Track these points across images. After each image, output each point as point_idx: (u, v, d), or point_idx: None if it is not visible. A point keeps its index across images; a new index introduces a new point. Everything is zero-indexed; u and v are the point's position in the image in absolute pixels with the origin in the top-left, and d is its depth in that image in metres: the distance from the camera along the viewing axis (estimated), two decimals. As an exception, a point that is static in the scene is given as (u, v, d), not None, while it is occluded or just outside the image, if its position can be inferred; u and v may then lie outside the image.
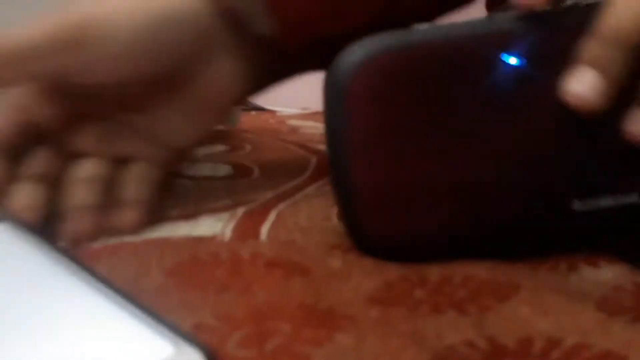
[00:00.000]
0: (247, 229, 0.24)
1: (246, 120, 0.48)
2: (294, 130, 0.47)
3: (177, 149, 0.26)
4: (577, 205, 0.20)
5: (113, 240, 0.22)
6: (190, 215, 0.25)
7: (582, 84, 0.18)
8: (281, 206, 0.26)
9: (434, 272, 0.20)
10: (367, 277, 0.20)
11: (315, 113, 0.60)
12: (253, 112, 0.58)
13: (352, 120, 0.19)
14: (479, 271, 0.20)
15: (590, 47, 0.18)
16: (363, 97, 0.19)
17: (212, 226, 0.24)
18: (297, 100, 0.72)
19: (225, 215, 0.25)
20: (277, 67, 0.27)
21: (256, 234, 0.23)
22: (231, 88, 0.25)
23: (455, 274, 0.20)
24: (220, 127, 0.41)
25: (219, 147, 0.37)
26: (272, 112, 0.61)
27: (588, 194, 0.19)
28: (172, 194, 0.27)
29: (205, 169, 0.31)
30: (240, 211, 0.25)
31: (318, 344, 0.15)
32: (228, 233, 0.23)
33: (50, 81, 0.22)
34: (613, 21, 0.18)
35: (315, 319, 0.17)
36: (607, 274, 0.20)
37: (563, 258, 0.21)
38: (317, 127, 0.49)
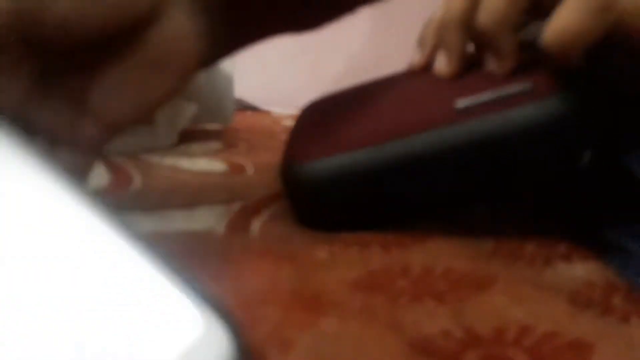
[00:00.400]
0: (239, 224, 0.25)
1: (241, 119, 0.49)
2: (287, 130, 0.47)
3: (111, 125, 0.21)
4: (460, 103, 0.22)
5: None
6: (187, 205, 0.26)
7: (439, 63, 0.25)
8: (274, 204, 0.27)
9: (417, 262, 0.21)
10: (351, 266, 0.21)
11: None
12: (248, 112, 0.59)
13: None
14: (460, 263, 0.21)
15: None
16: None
17: (207, 219, 0.25)
18: (293, 99, 0.74)
19: (220, 209, 0.26)
20: (241, 26, 0.24)
21: (247, 228, 0.24)
22: (187, 49, 0.21)
23: (438, 265, 0.21)
24: (216, 125, 0.42)
25: (214, 145, 0.37)
26: (267, 112, 0.62)
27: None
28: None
29: (201, 163, 0.32)
30: (236, 206, 0.26)
31: (303, 329, 0.16)
32: (221, 227, 0.24)
33: None
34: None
35: (302, 305, 0.18)
36: (580, 270, 0.21)
37: (539, 253, 0.22)
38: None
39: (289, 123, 0.53)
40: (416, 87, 0.26)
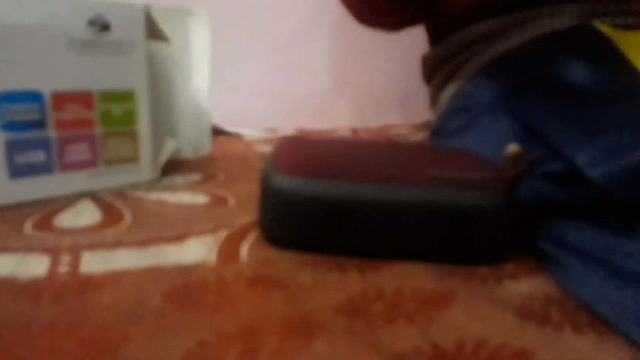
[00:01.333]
0: (228, 252, 0.27)
1: (216, 145, 0.51)
2: (263, 156, 0.50)
3: None
4: (434, 171, 0.28)
5: (110, 269, 0.25)
6: (179, 237, 0.28)
7: None
8: (256, 229, 0.30)
9: (389, 285, 0.25)
10: (333, 291, 0.24)
11: (279, 138, 0.64)
12: (221, 138, 0.61)
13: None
14: (425, 283, 0.25)
15: None
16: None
17: (198, 250, 0.27)
18: (258, 120, 0.76)
19: (209, 239, 0.28)
20: None
21: (237, 256, 0.27)
22: None
23: (406, 285, 0.25)
24: (194, 155, 0.44)
25: (195, 177, 0.40)
26: (239, 135, 0.64)
27: None
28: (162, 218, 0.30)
29: (185, 197, 0.35)
30: (222, 234, 0.29)
31: (299, 353, 0.19)
32: (213, 258, 0.26)
33: None
34: None
35: (294, 329, 0.20)
36: (524, 286, 0.25)
37: (491, 273, 0.26)
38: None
39: (262, 148, 0.56)
40: (400, 151, 0.33)
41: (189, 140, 0.43)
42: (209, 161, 0.44)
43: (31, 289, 0.23)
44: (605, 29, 0.31)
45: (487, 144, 0.33)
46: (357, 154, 0.32)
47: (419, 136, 0.67)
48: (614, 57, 0.28)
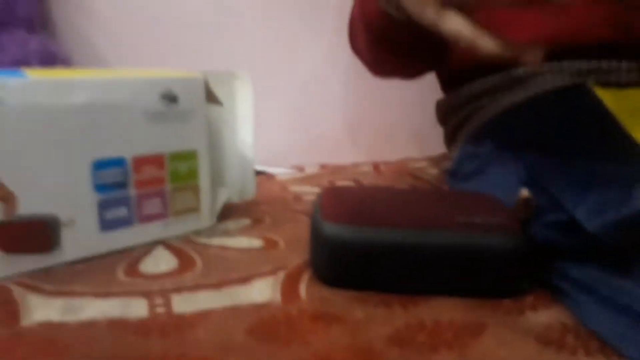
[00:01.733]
0: (290, 292, 0.32)
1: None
2: (298, 198, 0.56)
3: None
4: (459, 218, 0.33)
5: (198, 309, 0.30)
6: (246, 279, 0.33)
7: None
8: (308, 270, 0.35)
9: (428, 317, 0.30)
10: (382, 324, 0.29)
11: (308, 177, 0.70)
12: (257, 179, 0.66)
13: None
14: (459, 315, 0.30)
15: None
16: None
17: (264, 290, 0.32)
18: (282, 157, 0.82)
19: (271, 280, 0.33)
20: None
21: (297, 295, 0.32)
22: None
23: (443, 318, 0.30)
24: (240, 200, 0.50)
25: (245, 221, 0.45)
26: (271, 175, 0.70)
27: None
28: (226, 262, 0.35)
29: (243, 241, 0.40)
30: (281, 275, 0.34)
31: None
32: (278, 297, 0.32)
33: None
34: None
35: (360, 357, 0.25)
36: (543, 317, 0.30)
37: (514, 305, 0.31)
38: (315, 193, 0.58)
39: (296, 189, 0.61)
40: (428, 197, 0.39)
41: (236, 187, 0.48)
42: (253, 205, 0.50)
43: (140, 328, 0.28)
44: (597, 89, 0.36)
45: (497, 189, 0.38)
46: (392, 201, 0.37)
47: (436, 170, 0.72)
48: (605, 118, 0.33)
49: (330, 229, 0.33)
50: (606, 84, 0.37)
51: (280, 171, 0.73)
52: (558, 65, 0.42)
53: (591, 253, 0.29)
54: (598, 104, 0.34)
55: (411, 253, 0.32)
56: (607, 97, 0.35)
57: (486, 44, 0.29)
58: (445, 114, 0.56)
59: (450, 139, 0.57)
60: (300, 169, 0.78)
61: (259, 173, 0.69)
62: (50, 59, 0.63)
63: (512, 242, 0.31)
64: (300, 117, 0.91)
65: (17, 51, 0.59)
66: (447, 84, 0.56)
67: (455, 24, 0.30)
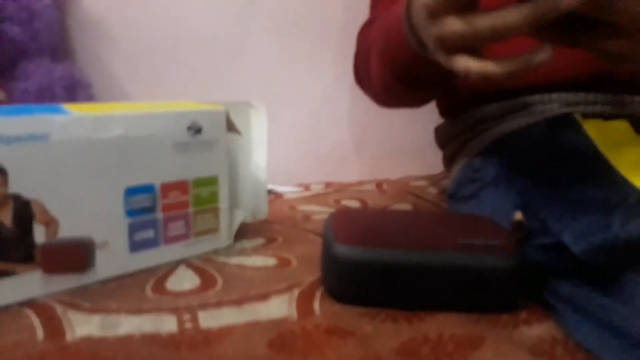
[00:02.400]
0: (304, 308, 0.35)
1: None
2: (306, 217, 0.59)
3: None
4: (461, 240, 0.36)
5: (222, 324, 0.33)
6: (264, 296, 0.36)
7: None
8: (320, 287, 0.38)
9: (432, 331, 0.33)
10: (390, 337, 0.32)
11: (315, 195, 0.73)
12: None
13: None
14: (460, 329, 0.33)
15: None
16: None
17: (281, 307, 0.35)
18: (289, 175, 0.85)
19: (286, 297, 0.37)
20: None
21: (312, 311, 0.35)
22: None
23: (445, 332, 0.33)
24: (253, 219, 0.53)
25: (259, 241, 0.48)
26: (279, 194, 0.73)
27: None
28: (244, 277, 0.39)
29: (258, 260, 0.43)
30: (295, 292, 0.37)
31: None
32: (294, 313, 0.35)
33: None
34: None
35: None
36: (536, 330, 0.33)
37: (510, 319, 0.34)
38: (322, 212, 0.62)
39: (304, 208, 0.64)
40: (431, 219, 0.42)
41: (250, 207, 0.52)
42: (266, 224, 0.53)
43: (171, 342, 0.31)
44: (583, 120, 0.40)
45: (492, 212, 0.42)
46: (398, 224, 0.40)
47: (435, 189, 0.75)
48: (589, 148, 0.36)
49: (342, 250, 0.36)
50: (591, 115, 0.41)
51: (287, 190, 0.77)
52: (548, 96, 0.45)
53: (578, 272, 0.32)
54: (583, 135, 0.38)
55: (416, 272, 0.35)
56: (591, 128, 0.38)
57: (494, 68, 0.31)
58: (444, 139, 0.60)
59: (448, 162, 0.61)
60: (307, 187, 0.81)
61: (268, 192, 0.72)
62: (74, 86, 0.66)
63: (509, 263, 0.35)
64: (307, 137, 0.95)
65: (43, 79, 0.63)
66: (446, 111, 0.60)
67: (463, 62, 0.33)
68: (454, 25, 0.31)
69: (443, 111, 0.62)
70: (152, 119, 0.39)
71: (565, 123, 0.40)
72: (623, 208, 0.30)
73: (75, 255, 0.36)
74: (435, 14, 0.32)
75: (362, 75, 0.63)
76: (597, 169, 0.34)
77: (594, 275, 0.31)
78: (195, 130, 0.41)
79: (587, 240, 0.30)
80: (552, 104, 0.45)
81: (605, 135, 0.37)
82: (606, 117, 0.41)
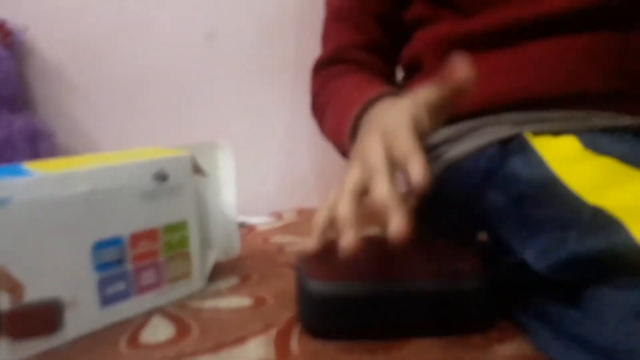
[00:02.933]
0: (282, 348, 0.35)
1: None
2: (280, 249, 0.59)
3: None
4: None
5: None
6: (240, 339, 0.36)
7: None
8: (297, 324, 0.38)
9: (411, 358, 0.33)
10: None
11: (287, 225, 0.74)
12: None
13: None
14: (438, 353, 0.34)
15: None
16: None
17: (258, 349, 0.35)
18: (263, 202, 0.85)
19: (263, 338, 0.37)
20: None
21: (289, 351, 0.35)
22: None
23: (423, 356, 0.33)
24: (226, 257, 0.53)
25: (233, 280, 0.48)
26: (252, 227, 0.73)
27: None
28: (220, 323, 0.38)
29: (233, 301, 0.43)
30: (272, 332, 0.37)
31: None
32: (272, 354, 0.35)
33: None
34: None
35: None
36: (508, 349, 0.34)
37: (483, 339, 0.35)
38: (296, 243, 0.62)
39: (278, 239, 0.64)
40: (401, 247, 0.42)
41: (221, 246, 0.52)
42: (239, 261, 0.53)
43: (149, 398, 0.31)
44: (532, 138, 0.42)
45: (457, 234, 0.43)
46: (369, 254, 0.41)
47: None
48: (540, 166, 0.38)
49: (316, 286, 0.36)
50: (540, 133, 0.43)
51: (259, 221, 0.77)
52: (499, 117, 0.47)
53: (546, 289, 0.33)
54: (534, 153, 0.39)
55: (391, 302, 0.35)
56: (541, 146, 0.40)
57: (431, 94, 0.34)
58: None
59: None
60: (279, 216, 0.81)
61: (239, 225, 0.72)
62: (35, 136, 0.65)
63: (479, 285, 0.36)
64: (275, 167, 0.95)
65: (3, 131, 0.62)
66: None
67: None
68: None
69: None
70: (118, 171, 0.39)
71: (516, 143, 0.42)
72: (578, 224, 0.31)
73: (43, 318, 0.35)
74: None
75: (318, 119, 0.66)
76: (549, 187, 0.35)
77: (561, 290, 0.32)
78: (162, 178, 0.41)
79: (546, 257, 0.32)
80: (503, 125, 0.47)
81: (555, 152, 0.39)
82: (555, 133, 0.43)
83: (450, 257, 0.38)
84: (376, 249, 0.43)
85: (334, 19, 0.65)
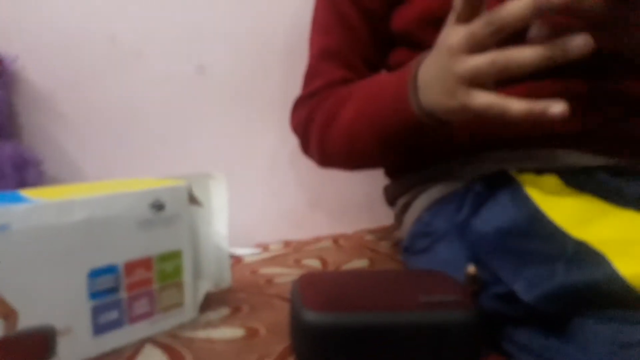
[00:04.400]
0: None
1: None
2: (269, 281, 0.59)
3: None
4: (422, 298, 0.37)
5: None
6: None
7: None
8: (291, 356, 0.38)
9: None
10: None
11: (275, 257, 0.74)
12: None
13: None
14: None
15: None
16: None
17: (254, 381, 0.35)
18: (248, 234, 0.86)
19: (258, 370, 0.37)
20: None
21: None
22: None
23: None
24: (216, 288, 0.53)
25: (224, 311, 0.48)
26: (239, 258, 0.73)
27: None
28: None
29: (226, 332, 0.43)
30: (266, 365, 0.37)
31: None
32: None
33: None
34: None
35: None
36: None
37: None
38: (284, 274, 0.62)
39: (266, 271, 0.65)
40: (392, 278, 0.44)
41: (213, 277, 0.52)
42: (230, 293, 0.53)
43: None
44: (518, 175, 0.44)
45: (445, 266, 0.44)
46: (362, 286, 0.42)
47: (389, 242, 0.78)
48: (526, 201, 0.40)
49: (311, 316, 0.37)
50: (524, 170, 0.45)
51: (246, 252, 0.77)
52: (483, 155, 0.50)
53: (533, 320, 0.35)
54: (519, 189, 0.42)
55: (384, 334, 0.36)
56: (526, 182, 0.42)
57: (515, 105, 0.36)
58: (393, 197, 0.64)
59: (399, 218, 0.64)
60: (265, 247, 0.81)
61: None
62: (24, 164, 0.65)
63: (469, 317, 0.37)
64: (261, 199, 0.96)
65: (-10, 159, 0.61)
66: (391, 171, 0.64)
67: (485, 98, 0.37)
68: (476, 60, 0.37)
69: (388, 171, 0.66)
70: (115, 200, 0.39)
71: (502, 179, 0.45)
72: (564, 257, 0.33)
73: (35, 346, 0.35)
74: (457, 52, 0.38)
75: (306, 142, 0.66)
76: (535, 221, 0.37)
77: (548, 321, 0.34)
78: (158, 207, 0.42)
79: (535, 289, 0.33)
80: (485, 163, 0.49)
81: (539, 189, 0.41)
82: (538, 171, 0.45)
83: (442, 289, 0.40)
84: (369, 282, 0.44)
85: (322, 59, 0.66)
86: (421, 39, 0.55)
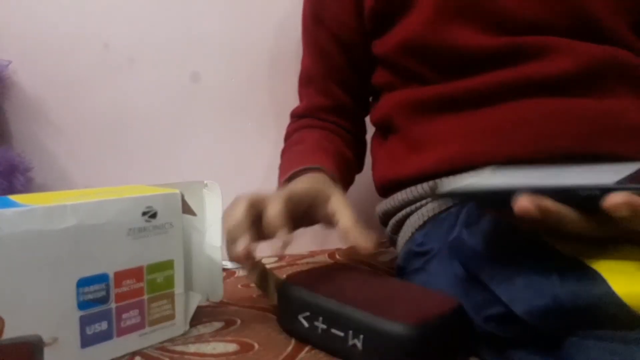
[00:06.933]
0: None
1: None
2: (262, 295, 0.58)
3: None
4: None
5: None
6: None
7: None
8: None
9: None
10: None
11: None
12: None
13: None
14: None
15: None
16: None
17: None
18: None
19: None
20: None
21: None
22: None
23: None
24: (210, 302, 0.52)
25: (216, 325, 0.47)
26: (231, 271, 0.72)
27: None
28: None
29: (219, 347, 0.42)
30: (260, 381, 0.36)
31: None
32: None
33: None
34: None
35: None
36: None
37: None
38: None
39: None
40: (379, 283, 0.46)
41: (205, 289, 0.50)
42: (221, 306, 0.52)
43: None
44: None
45: (439, 285, 0.44)
46: (347, 278, 0.44)
47: (385, 257, 0.78)
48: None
49: (289, 288, 0.43)
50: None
51: (238, 265, 0.75)
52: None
53: (528, 339, 0.34)
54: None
55: (333, 319, 0.39)
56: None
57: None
58: (385, 216, 0.63)
59: (392, 236, 0.64)
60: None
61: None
62: (12, 170, 0.63)
63: (404, 330, 0.35)
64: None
65: (-22, 165, 0.59)
66: (382, 190, 0.64)
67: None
68: None
69: (379, 190, 0.66)
70: (106, 206, 0.38)
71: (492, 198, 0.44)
72: (558, 272, 0.32)
73: (21, 357, 0.33)
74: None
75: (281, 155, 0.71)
76: (528, 237, 0.37)
77: (544, 342, 0.33)
78: (150, 215, 0.41)
79: (529, 303, 0.32)
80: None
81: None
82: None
83: (418, 303, 0.39)
84: (358, 282, 0.44)
85: (303, 83, 0.73)
86: (402, 65, 0.58)
